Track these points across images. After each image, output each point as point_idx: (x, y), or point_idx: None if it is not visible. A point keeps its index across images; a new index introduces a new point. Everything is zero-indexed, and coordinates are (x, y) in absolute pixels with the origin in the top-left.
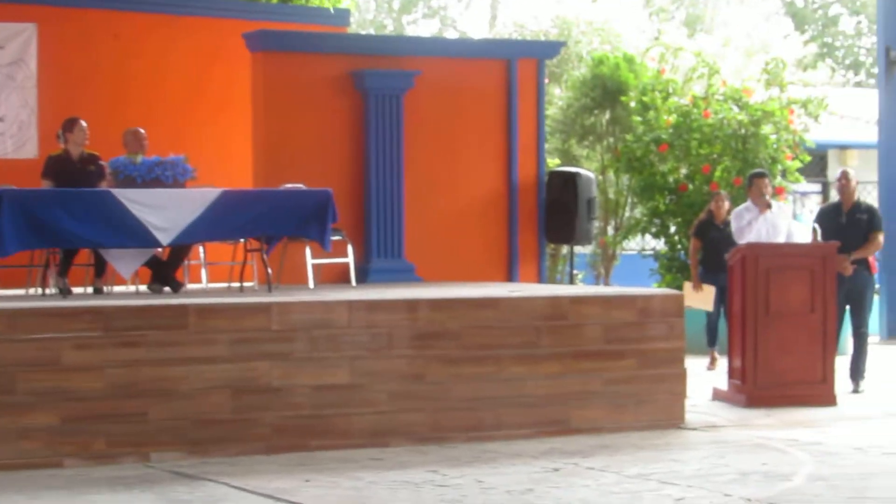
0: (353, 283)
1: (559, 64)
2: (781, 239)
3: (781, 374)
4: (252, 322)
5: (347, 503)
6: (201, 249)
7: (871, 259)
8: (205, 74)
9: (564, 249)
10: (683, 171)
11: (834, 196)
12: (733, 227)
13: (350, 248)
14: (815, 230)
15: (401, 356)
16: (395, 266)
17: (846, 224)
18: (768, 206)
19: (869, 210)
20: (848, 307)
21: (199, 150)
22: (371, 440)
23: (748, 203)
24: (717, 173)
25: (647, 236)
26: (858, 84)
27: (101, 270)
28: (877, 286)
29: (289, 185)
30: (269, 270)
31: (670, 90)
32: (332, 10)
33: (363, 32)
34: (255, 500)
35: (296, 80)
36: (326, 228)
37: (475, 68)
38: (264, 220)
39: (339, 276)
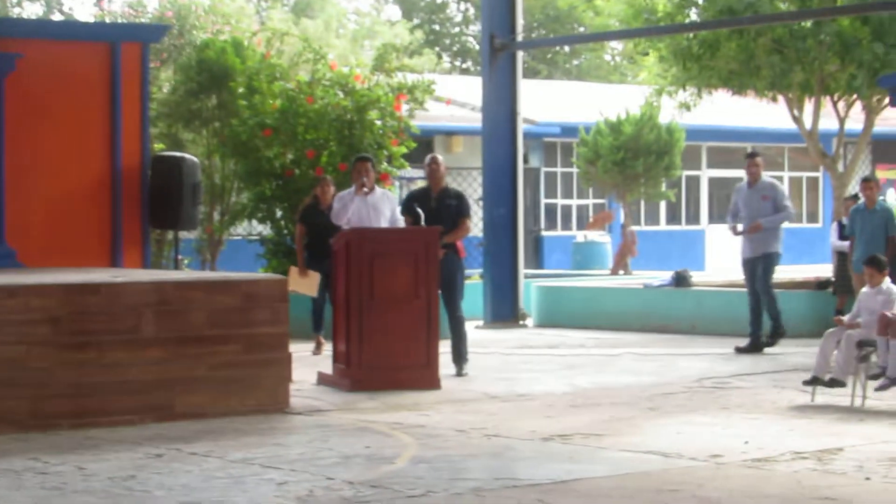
0: None
1: (177, 48)
2: (384, 223)
3: (386, 358)
4: None
5: None
6: None
7: (459, 244)
8: None
9: (170, 235)
10: (290, 156)
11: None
12: (333, 209)
13: None
14: (417, 214)
15: (2, 343)
16: None
17: (436, 208)
18: (362, 186)
19: (458, 196)
20: (440, 292)
21: None
22: None
23: (353, 188)
24: (324, 158)
25: (254, 221)
26: (466, 71)
27: None
28: (467, 271)
29: None
30: None
31: (277, 75)
32: None
33: None
34: None
35: None
36: None
37: (79, 51)
38: None
39: None
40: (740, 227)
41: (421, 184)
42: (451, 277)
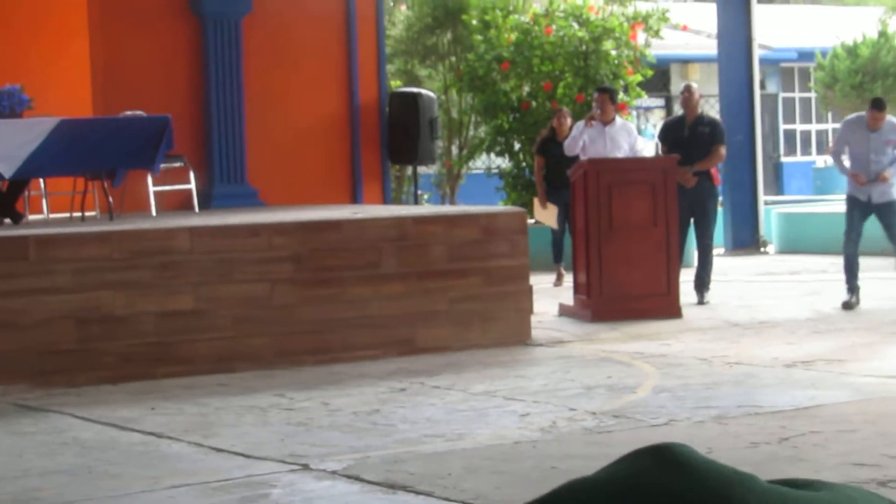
0: (196, 209)
1: None
2: (621, 155)
3: (626, 288)
4: (93, 251)
5: (194, 429)
6: (41, 180)
7: (713, 171)
8: (41, 1)
9: (409, 170)
10: (526, 88)
11: (678, 110)
12: (567, 139)
13: (192, 174)
14: (656, 145)
15: (245, 281)
16: (239, 191)
17: (689, 137)
18: (591, 118)
19: (712, 123)
20: (692, 219)
21: (39, 80)
22: (217, 366)
23: None
24: (560, 90)
25: (492, 155)
26: None
27: None
28: (720, 198)
29: (128, 113)
30: (111, 199)
31: (511, 8)
32: None
33: None
34: (100, 430)
35: (133, 6)
36: (159, 154)
37: None
38: (104, 151)
39: (182, 203)
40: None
41: (659, 113)
42: (703, 204)
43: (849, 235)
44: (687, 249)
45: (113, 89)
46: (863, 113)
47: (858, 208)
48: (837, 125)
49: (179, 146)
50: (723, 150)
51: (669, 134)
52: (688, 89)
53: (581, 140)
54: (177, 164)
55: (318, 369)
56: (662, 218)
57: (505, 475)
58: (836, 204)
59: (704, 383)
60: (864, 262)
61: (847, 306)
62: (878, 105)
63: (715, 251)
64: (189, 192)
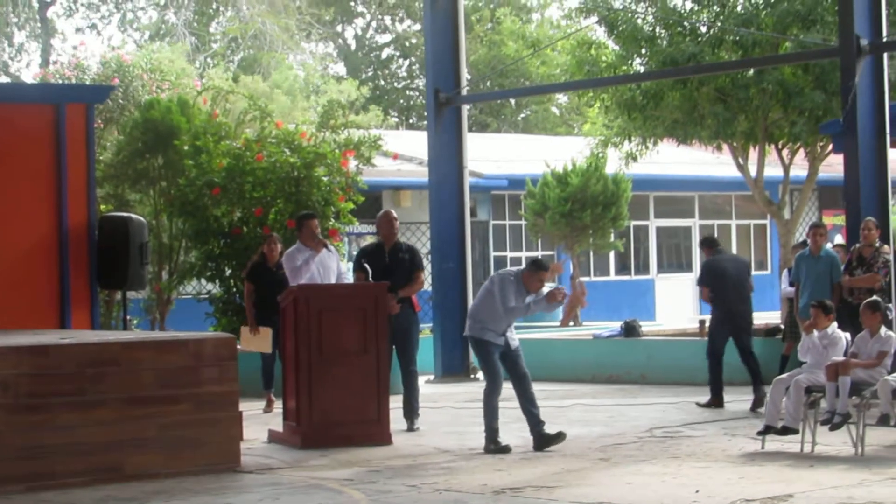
0: None
1: (120, 108)
2: (333, 279)
3: (336, 415)
4: None
5: None
6: None
7: (413, 298)
8: None
9: (119, 295)
10: (237, 214)
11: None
12: (286, 268)
13: None
14: (366, 270)
15: None
16: None
17: (390, 263)
18: (324, 245)
19: (410, 249)
20: (394, 346)
21: None
22: None
23: (298, 245)
24: (271, 216)
25: (203, 280)
26: (412, 126)
27: None
28: (422, 326)
29: None
30: None
31: (223, 133)
32: None
33: None
34: None
35: None
36: None
37: (23, 113)
38: None
39: None
40: None
41: (371, 239)
42: (406, 331)
43: (498, 382)
44: (392, 376)
45: None
46: (512, 270)
47: (499, 354)
48: (547, 252)
49: None
50: (423, 277)
51: (369, 260)
52: (387, 215)
53: (313, 267)
54: None
55: (26, 497)
56: (373, 344)
57: None
58: (545, 330)
59: None
60: (571, 388)
61: (505, 450)
62: (541, 266)
63: (425, 378)
64: None
